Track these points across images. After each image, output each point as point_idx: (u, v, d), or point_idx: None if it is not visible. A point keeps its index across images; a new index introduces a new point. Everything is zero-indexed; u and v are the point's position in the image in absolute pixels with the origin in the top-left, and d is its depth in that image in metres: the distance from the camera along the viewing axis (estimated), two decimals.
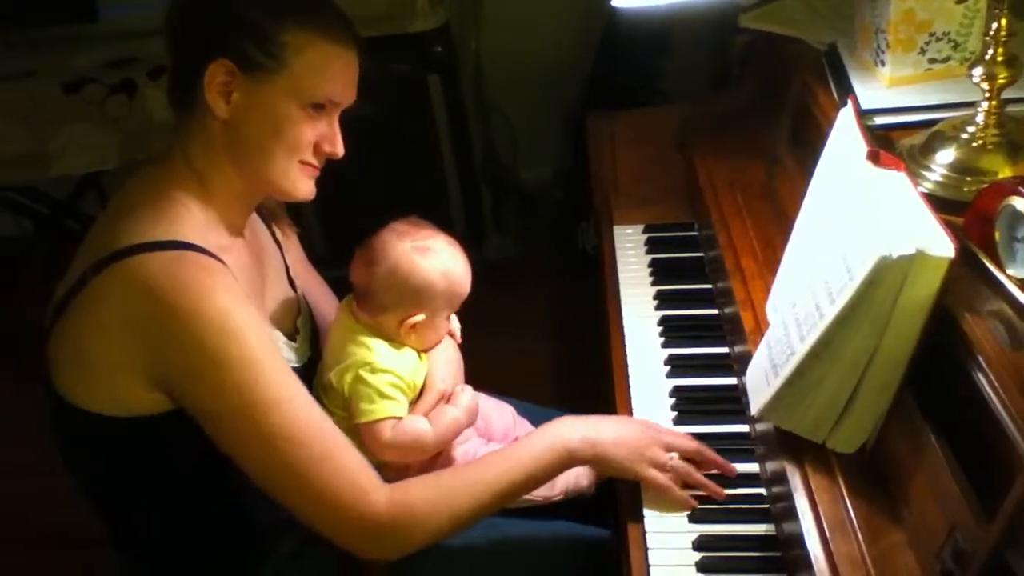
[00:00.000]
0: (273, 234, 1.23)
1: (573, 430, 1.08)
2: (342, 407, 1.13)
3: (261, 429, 0.95)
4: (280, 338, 1.11)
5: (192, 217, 1.02)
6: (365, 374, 1.11)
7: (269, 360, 0.97)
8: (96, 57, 2.20)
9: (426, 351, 1.19)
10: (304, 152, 1.04)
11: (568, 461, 1.08)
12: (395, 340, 1.15)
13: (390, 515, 0.98)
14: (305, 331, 1.18)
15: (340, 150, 1.07)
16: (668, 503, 1.09)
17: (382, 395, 1.11)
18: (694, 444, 1.11)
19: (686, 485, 1.09)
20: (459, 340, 1.24)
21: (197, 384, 0.96)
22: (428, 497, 1.01)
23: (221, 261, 1.00)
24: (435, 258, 1.14)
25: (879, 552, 0.84)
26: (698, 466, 1.10)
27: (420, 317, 1.14)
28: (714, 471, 1.11)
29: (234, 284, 0.98)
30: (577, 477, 1.19)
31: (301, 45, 1.00)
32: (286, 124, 1.01)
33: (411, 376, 1.14)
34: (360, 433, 1.12)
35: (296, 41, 1.00)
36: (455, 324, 1.25)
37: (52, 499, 1.19)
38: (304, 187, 1.07)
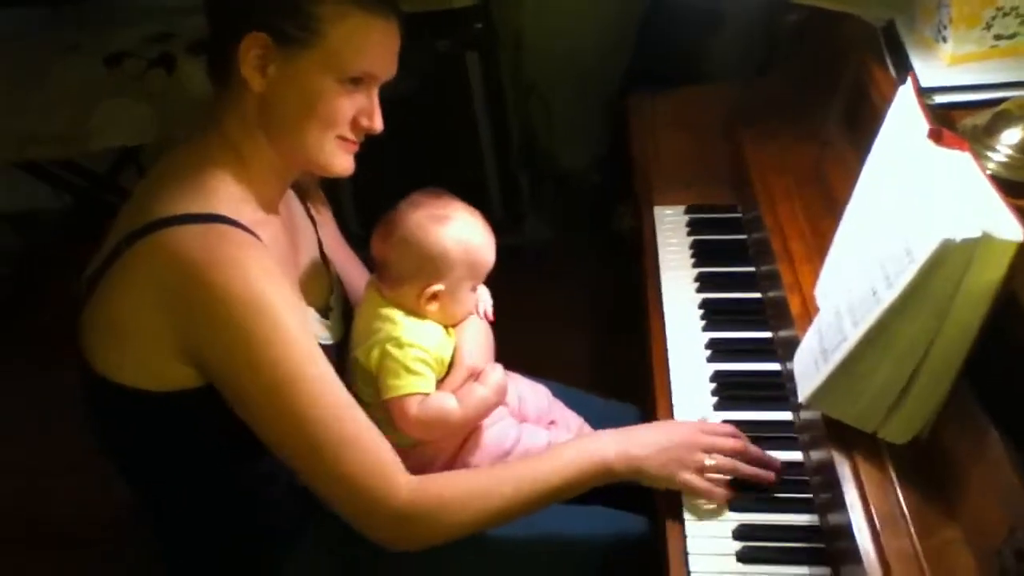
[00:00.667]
0: (308, 210, 1.21)
1: (611, 445, 1.05)
2: (371, 384, 1.11)
3: (288, 408, 0.94)
4: (313, 315, 1.10)
5: (227, 191, 1.01)
6: (392, 348, 1.09)
7: (299, 339, 0.96)
8: (136, 32, 2.21)
9: (452, 326, 1.17)
10: (341, 127, 1.02)
11: (605, 476, 1.04)
12: (419, 314, 1.13)
13: (411, 504, 0.97)
14: (338, 308, 1.17)
15: (379, 125, 1.04)
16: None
17: (409, 370, 1.09)
18: (733, 443, 1.07)
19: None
20: (491, 318, 1.22)
21: (226, 360, 0.95)
22: (456, 491, 1.00)
23: (256, 236, 0.98)
24: (451, 225, 1.11)
25: (932, 548, 0.80)
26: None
27: (439, 287, 1.12)
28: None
29: (268, 260, 0.97)
30: None
31: (336, 16, 0.97)
32: (322, 99, 0.99)
33: (438, 350, 1.12)
34: (387, 409, 1.10)
35: (331, 12, 0.97)
36: (487, 300, 1.22)
37: (53, 499, 1.18)
38: (341, 162, 1.04)
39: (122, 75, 2.13)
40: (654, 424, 1.11)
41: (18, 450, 1.48)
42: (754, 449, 1.07)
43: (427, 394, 1.10)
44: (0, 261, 2.72)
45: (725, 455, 1.05)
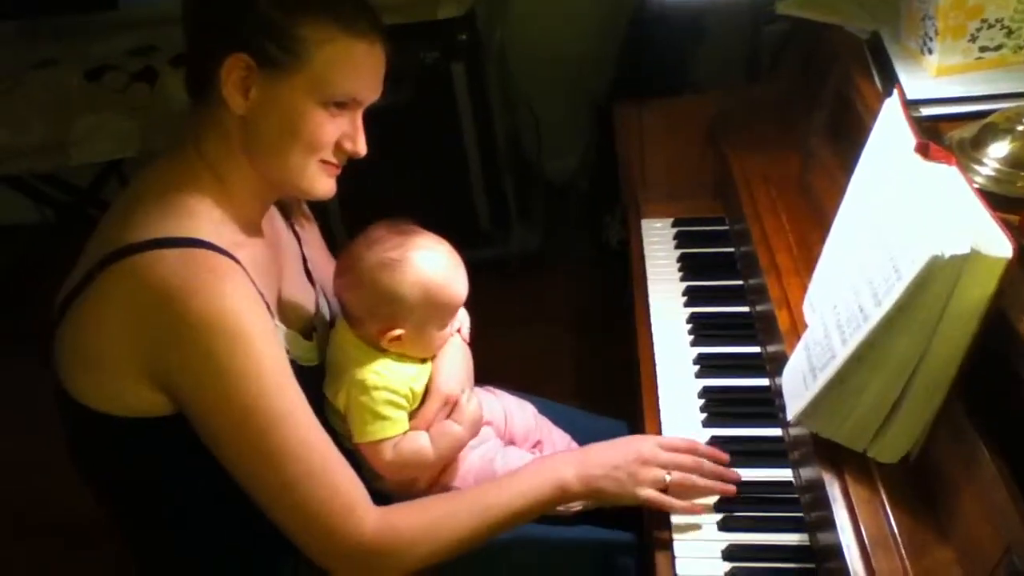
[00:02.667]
0: (291, 226, 1.19)
1: (568, 467, 1.05)
2: (345, 421, 1.09)
3: (256, 442, 0.93)
4: (296, 336, 1.07)
5: (206, 213, 0.98)
6: (357, 394, 1.06)
7: (274, 372, 0.94)
8: (117, 45, 2.19)
9: (424, 361, 1.13)
10: (324, 151, 0.99)
11: (563, 498, 1.05)
12: (385, 352, 1.10)
13: (377, 539, 0.96)
14: (323, 328, 1.15)
15: (363, 150, 1.02)
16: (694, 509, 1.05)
17: (377, 415, 1.06)
18: (688, 459, 1.07)
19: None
20: (467, 339, 1.20)
21: (196, 389, 0.93)
22: (418, 524, 0.99)
23: (235, 259, 0.96)
24: (406, 269, 1.06)
25: (923, 570, 0.79)
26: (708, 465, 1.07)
27: (399, 332, 1.07)
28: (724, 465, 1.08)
29: (246, 286, 0.95)
30: None
31: (320, 40, 0.95)
32: (305, 122, 0.97)
33: (408, 385, 1.09)
34: (359, 451, 1.08)
35: (315, 35, 0.95)
36: (465, 322, 1.19)
37: (63, 492, 1.17)
38: (323, 186, 1.02)
39: (103, 88, 2.11)
40: (612, 442, 1.11)
41: (31, 444, 1.48)
42: (709, 466, 1.07)
43: (400, 435, 1.08)
44: None
45: (682, 471, 1.06)
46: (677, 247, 1.51)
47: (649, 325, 1.36)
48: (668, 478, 1.05)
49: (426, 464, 1.09)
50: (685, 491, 1.06)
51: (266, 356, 0.93)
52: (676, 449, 1.08)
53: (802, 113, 1.41)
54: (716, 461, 1.08)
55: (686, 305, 1.39)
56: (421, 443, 1.08)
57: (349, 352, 1.09)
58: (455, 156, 2.35)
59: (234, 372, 0.91)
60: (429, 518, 1.00)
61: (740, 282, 1.40)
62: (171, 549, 1.09)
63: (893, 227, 0.87)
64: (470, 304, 1.16)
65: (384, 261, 1.06)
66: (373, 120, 1.04)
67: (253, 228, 1.05)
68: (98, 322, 0.93)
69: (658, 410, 1.21)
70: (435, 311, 1.08)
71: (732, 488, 1.06)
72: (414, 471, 1.09)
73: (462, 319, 1.19)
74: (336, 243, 1.32)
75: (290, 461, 0.93)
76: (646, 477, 1.04)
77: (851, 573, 0.82)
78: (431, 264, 1.08)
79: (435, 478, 1.13)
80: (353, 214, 2.31)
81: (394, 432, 1.07)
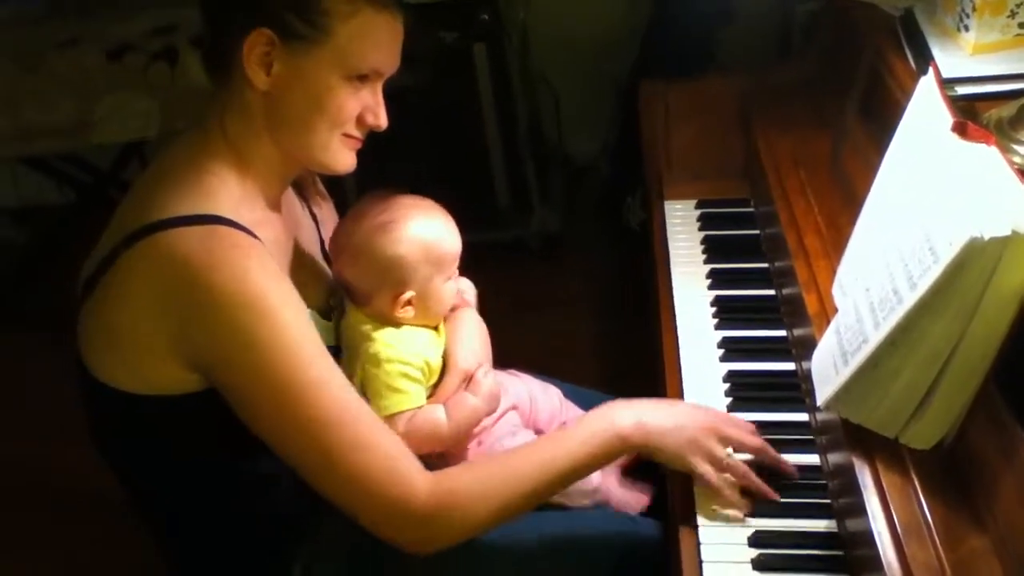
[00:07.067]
0: (308, 206, 1.18)
1: (625, 414, 1.01)
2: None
3: (295, 413, 0.91)
4: (314, 316, 1.07)
5: (227, 190, 0.98)
6: (371, 368, 1.06)
7: (304, 341, 0.93)
8: (139, 24, 2.18)
9: (437, 325, 1.13)
10: (346, 124, 0.99)
11: (619, 447, 1.01)
12: (397, 322, 1.09)
13: (431, 505, 0.93)
14: (340, 309, 1.14)
15: (384, 122, 1.02)
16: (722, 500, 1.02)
17: (392, 388, 1.05)
18: (756, 441, 1.03)
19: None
20: (474, 304, 1.18)
21: (229, 366, 0.92)
22: (472, 486, 0.96)
23: (255, 236, 0.96)
24: (399, 229, 1.06)
25: (958, 559, 0.77)
26: (757, 464, 1.03)
27: (409, 293, 1.07)
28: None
29: (269, 261, 0.95)
30: (628, 501, 1.14)
31: (345, 13, 0.95)
32: (329, 96, 0.97)
33: (423, 357, 1.08)
34: None
35: (339, 8, 0.94)
36: (470, 289, 1.18)
37: (84, 465, 1.18)
38: (345, 160, 1.02)
39: (124, 69, 2.11)
40: (673, 401, 1.08)
41: (55, 418, 1.50)
42: (773, 453, 1.04)
43: (416, 408, 1.07)
44: (3, 255, 2.70)
45: (746, 451, 1.02)
46: (701, 229, 1.49)
47: (672, 308, 1.34)
48: (727, 457, 1.00)
49: (442, 438, 1.07)
50: (735, 481, 1.01)
51: (294, 327, 0.92)
52: (740, 428, 1.04)
53: (832, 93, 1.38)
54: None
55: (710, 288, 1.37)
56: (436, 415, 1.07)
57: (360, 330, 1.09)
58: (475, 137, 2.33)
59: (262, 345, 0.90)
60: (486, 476, 0.97)
61: (765, 265, 1.38)
62: (190, 531, 1.09)
63: (929, 208, 0.85)
64: (490, 286, 1.14)
65: (377, 226, 1.07)
66: (392, 100, 1.03)
67: (273, 206, 1.05)
68: (123, 299, 0.93)
69: (682, 394, 1.19)
70: (437, 266, 1.09)
71: (776, 495, 1.01)
72: (429, 446, 1.07)
73: (466, 287, 1.18)
74: None
75: (332, 429, 0.92)
76: (707, 448, 1.00)
77: (884, 562, 0.81)
78: (422, 219, 1.08)
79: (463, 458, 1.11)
80: None
81: (409, 405, 1.06)
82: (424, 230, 1.08)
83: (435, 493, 0.94)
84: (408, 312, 1.08)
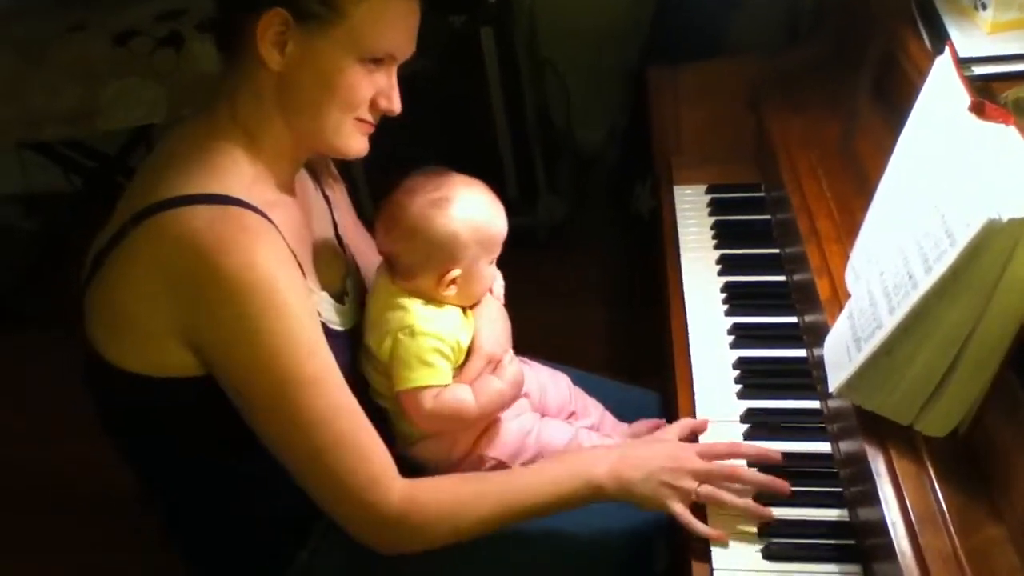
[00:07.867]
0: (321, 189, 1.17)
1: (602, 464, 1.01)
2: (385, 374, 1.08)
3: (286, 406, 0.92)
4: (328, 300, 1.06)
5: (238, 170, 0.97)
6: (404, 338, 1.05)
7: (305, 334, 0.93)
8: (144, 10, 2.16)
9: (472, 306, 1.12)
10: (360, 108, 0.98)
11: (594, 496, 1.01)
12: (435, 300, 1.09)
13: (399, 510, 0.95)
14: (354, 293, 1.13)
15: (398, 107, 1.01)
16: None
17: (423, 361, 1.05)
18: (725, 470, 1.01)
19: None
20: (502, 299, 1.18)
21: (228, 351, 0.91)
22: (444, 501, 0.98)
23: (267, 218, 0.94)
24: (454, 207, 1.06)
25: (974, 548, 0.76)
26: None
27: (456, 272, 1.07)
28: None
29: (279, 245, 0.94)
30: None
31: None
32: (342, 79, 0.95)
33: (455, 336, 1.08)
34: (400, 401, 1.06)
35: None
36: (499, 280, 1.18)
37: (84, 467, 1.17)
38: (357, 144, 1.01)
39: (130, 54, 2.09)
40: (649, 442, 1.08)
41: (66, 414, 1.49)
42: (749, 474, 1.01)
43: (442, 386, 1.06)
44: (11, 242, 2.70)
45: (721, 481, 1.00)
46: (711, 214, 1.47)
47: (682, 294, 1.32)
48: (697, 489, 0.99)
49: (466, 418, 1.07)
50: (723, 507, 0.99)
51: (298, 319, 0.92)
52: (717, 456, 1.02)
53: (846, 75, 1.36)
54: (764, 463, 1.02)
55: (720, 274, 1.35)
56: (464, 395, 1.07)
57: (395, 301, 1.08)
58: (483, 123, 2.31)
59: (265, 334, 0.90)
60: (455, 496, 0.99)
61: (776, 250, 1.36)
62: (197, 515, 1.09)
63: (946, 190, 0.83)
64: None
65: (432, 201, 1.06)
66: (402, 85, 1.02)
67: (285, 188, 1.04)
68: (129, 278, 0.92)
69: (691, 381, 1.18)
70: (485, 246, 1.09)
71: (770, 512, 0.98)
72: (453, 424, 1.07)
73: (496, 279, 1.17)
74: (362, 209, 1.30)
75: (319, 426, 0.92)
76: (679, 487, 0.99)
77: (898, 550, 0.79)
78: (477, 199, 1.09)
79: (469, 448, 1.11)
80: (380, 181, 2.30)
81: (437, 381, 1.06)
82: (477, 210, 1.08)
83: (408, 501, 0.96)
84: (451, 291, 1.08)
